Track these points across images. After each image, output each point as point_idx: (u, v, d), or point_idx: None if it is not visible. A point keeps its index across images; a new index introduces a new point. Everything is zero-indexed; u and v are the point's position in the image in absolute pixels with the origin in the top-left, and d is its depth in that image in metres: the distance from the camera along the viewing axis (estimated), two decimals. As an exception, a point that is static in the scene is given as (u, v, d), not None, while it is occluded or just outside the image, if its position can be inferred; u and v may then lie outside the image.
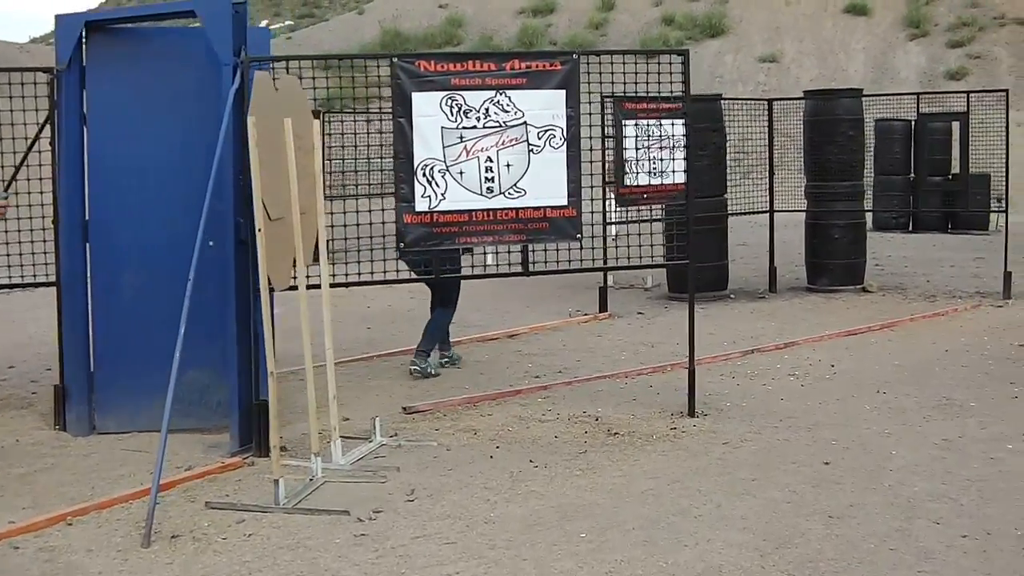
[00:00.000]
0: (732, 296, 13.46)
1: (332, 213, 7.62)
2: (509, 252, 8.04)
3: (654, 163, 12.64)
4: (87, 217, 7.56)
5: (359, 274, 7.59)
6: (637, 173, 12.29)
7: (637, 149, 12.28)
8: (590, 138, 9.36)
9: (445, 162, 7.18)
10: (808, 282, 13.83)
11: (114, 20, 7.81)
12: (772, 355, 9.91)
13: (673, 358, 9.70)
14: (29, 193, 8.11)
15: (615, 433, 7.27)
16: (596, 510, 5.79)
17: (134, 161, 7.44)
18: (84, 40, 7.50)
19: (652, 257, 8.55)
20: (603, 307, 12.52)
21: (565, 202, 7.37)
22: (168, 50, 7.61)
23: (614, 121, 12.20)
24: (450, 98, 7.16)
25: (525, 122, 7.27)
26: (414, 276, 8.59)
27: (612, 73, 8.28)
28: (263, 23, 53.84)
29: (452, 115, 7.18)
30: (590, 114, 8.83)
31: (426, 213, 7.21)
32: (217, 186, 6.58)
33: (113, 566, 5.21)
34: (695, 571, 4.94)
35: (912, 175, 18.95)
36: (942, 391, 8.31)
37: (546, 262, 7.80)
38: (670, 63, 8.05)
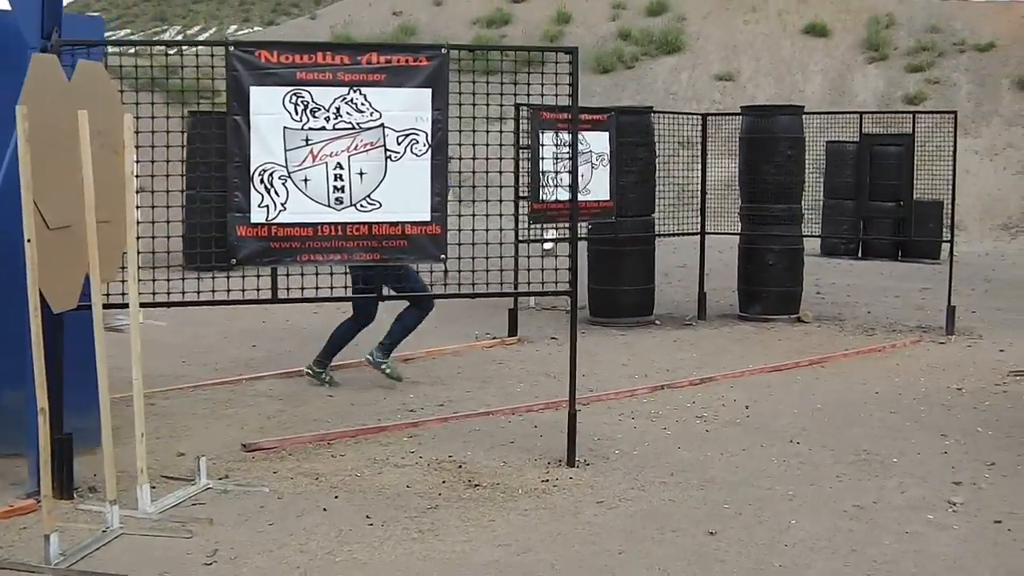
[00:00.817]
0: (657, 322, 12.50)
1: (169, 222, 6.64)
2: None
3: (580, 179, 11.70)
4: None
5: (227, 290, 6.58)
6: (556, 188, 11.40)
7: (556, 161, 11.41)
8: (500, 146, 8.39)
9: (287, 167, 6.18)
10: (740, 310, 12.89)
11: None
12: (684, 392, 8.95)
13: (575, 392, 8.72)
14: None
15: (476, 485, 6.27)
16: (420, 589, 4.80)
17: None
18: None
19: (543, 283, 7.49)
20: (512, 330, 11.53)
21: (428, 217, 6.38)
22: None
23: (530, 132, 11.28)
24: (295, 94, 6.17)
25: (383, 124, 6.28)
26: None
27: (501, 72, 7.26)
28: (231, 28, 52.80)
29: (296, 114, 6.18)
30: (500, 119, 7.78)
31: (263, 225, 6.20)
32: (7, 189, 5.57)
33: None
34: None
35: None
36: (864, 442, 7.36)
37: (446, 284, 6.81)
38: (568, 63, 6.96)
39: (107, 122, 5.60)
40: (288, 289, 6.56)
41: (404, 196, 6.31)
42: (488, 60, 6.73)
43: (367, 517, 5.71)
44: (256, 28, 52.55)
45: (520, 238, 11.27)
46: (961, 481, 6.48)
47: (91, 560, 5.12)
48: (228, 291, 6.52)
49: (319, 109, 6.18)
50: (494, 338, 11.42)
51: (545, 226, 11.70)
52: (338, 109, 6.20)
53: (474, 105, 6.75)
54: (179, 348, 10.52)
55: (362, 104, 6.22)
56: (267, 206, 6.17)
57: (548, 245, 16.68)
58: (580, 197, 11.67)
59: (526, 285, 7.63)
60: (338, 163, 6.22)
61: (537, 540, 5.39)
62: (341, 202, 6.24)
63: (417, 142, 6.30)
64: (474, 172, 7.27)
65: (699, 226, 12.93)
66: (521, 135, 11.27)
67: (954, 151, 12.32)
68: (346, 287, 6.78)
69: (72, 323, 5.93)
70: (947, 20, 30.95)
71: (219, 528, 5.54)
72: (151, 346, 10.48)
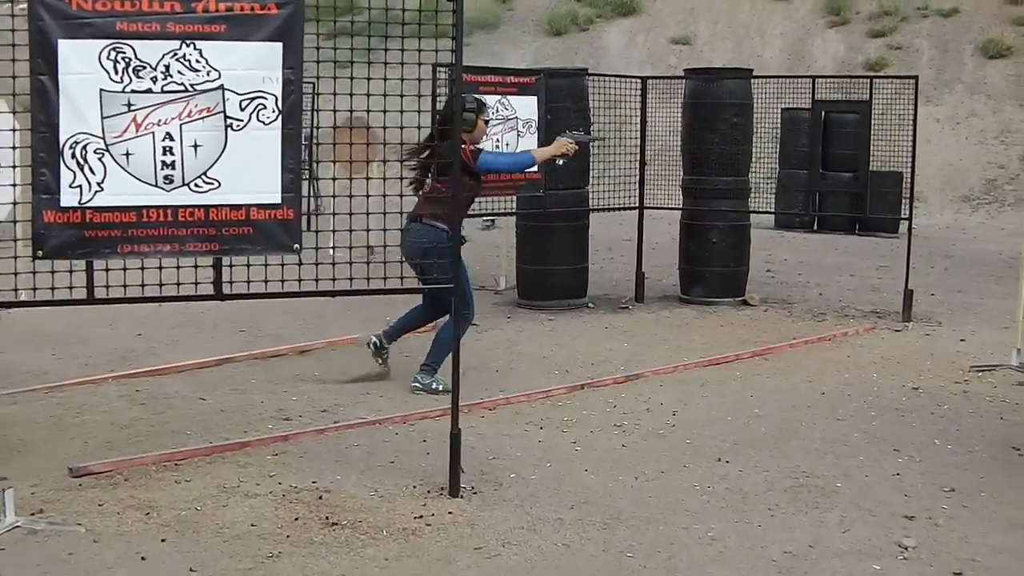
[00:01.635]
0: (591, 305, 11.47)
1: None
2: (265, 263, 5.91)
3: (498, 148, 10.64)
4: None
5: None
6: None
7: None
8: (418, 112, 7.25)
9: (104, 139, 5.06)
10: (681, 291, 11.87)
11: None
12: (606, 393, 7.92)
13: (483, 393, 7.70)
14: None
15: (334, 523, 5.20)
16: None
17: None
18: None
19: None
20: (429, 316, 10.44)
21: (278, 199, 5.28)
22: None
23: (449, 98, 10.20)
24: (114, 49, 5.04)
25: (222, 86, 5.16)
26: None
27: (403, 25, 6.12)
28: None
29: (116, 73, 5.05)
30: (419, 80, 6.60)
31: (75, 209, 5.08)
32: None
33: None
34: None
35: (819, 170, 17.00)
36: (804, 460, 6.35)
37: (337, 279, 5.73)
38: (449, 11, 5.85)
39: None
40: (108, 287, 5.43)
41: (248, 173, 5.21)
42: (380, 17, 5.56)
43: (191, 571, 4.66)
44: None
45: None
46: (915, 515, 5.48)
47: None
48: (35, 289, 5.40)
49: (144, 67, 5.06)
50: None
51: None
52: (167, 67, 5.08)
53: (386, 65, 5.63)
54: (54, 337, 9.40)
55: (197, 61, 5.11)
56: (80, 186, 5.05)
57: (487, 221, 15.69)
58: (508, 168, 10.65)
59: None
60: (167, 133, 5.11)
61: (390, 605, 4.36)
62: (171, 181, 5.14)
63: (265, 107, 5.19)
64: (384, 144, 6.18)
65: (637, 200, 11.84)
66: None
67: (914, 119, 11.30)
68: (196, 283, 5.64)
69: None
70: (910, -17, 29.97)
71: (5, 586, 4.49)
72: (25, 335, 9.41)
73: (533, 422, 7.12)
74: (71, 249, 5.13)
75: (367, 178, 6.82)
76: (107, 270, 5.31)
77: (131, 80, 5.06)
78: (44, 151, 5.02)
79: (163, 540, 4.99)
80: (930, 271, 14.34)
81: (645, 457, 6.35)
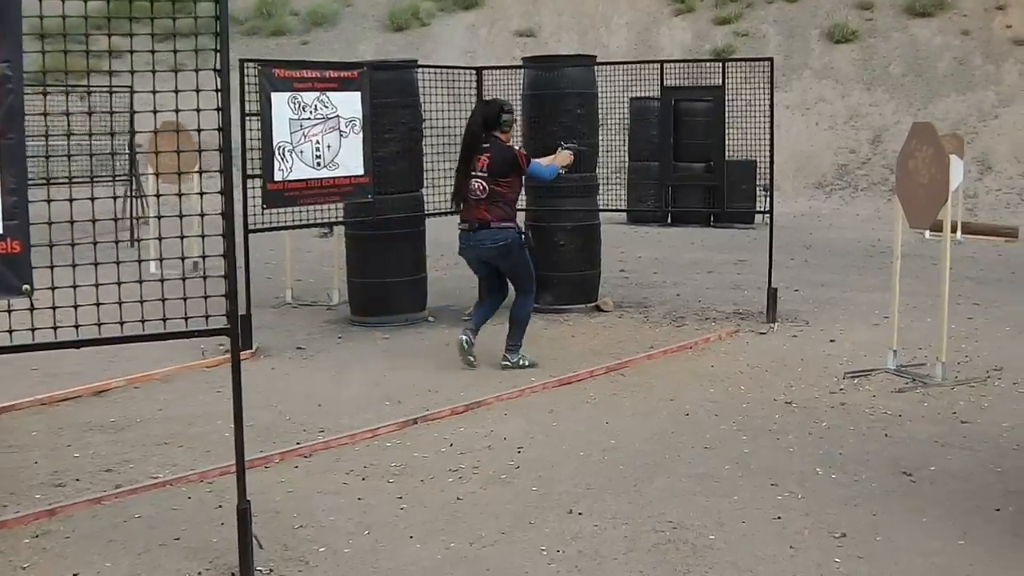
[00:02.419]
0: (431, 319, 10.43)
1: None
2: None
3: (319, 150, 9.55)
4: None
5: None
6: (291, 164, 9.29)
7: (293, 132, 9.31)
8: (218, 111, 6.06)
9: None
10: (530, 300, 10.90)
11: None
12: (442, 427, 6.89)
13: (301, 435, 6.62)
14: None
15: (83, 640, 4.08)
16: None
17: None
18: None
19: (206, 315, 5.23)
20: (246, 340, 9.23)
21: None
22: None
23: (260, 94, 9.12)
24: None
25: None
26: None
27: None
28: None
29: None
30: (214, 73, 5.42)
31: None
32: None
33: None
34: None
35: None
36: (670, 506, 5.40)
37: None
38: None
39: None
40: None
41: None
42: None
43: None
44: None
45: (252, 226, 9.15)
46: None
47: None
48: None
49: None
50: (227, 351, 9.14)
51: (285, 210, 9.54)
52: None
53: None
54: None
55: None
56: None
57: (324, 230, 14.52)
58: (328, 172, 9.56)
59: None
60: None
61: None
62: None
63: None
64: (179, 151, 5.03)
65: (477, 202, 10.81)
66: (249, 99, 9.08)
67: (771, 103, 10.49)
68: None
69: None
70: (753, -31, 29.61)
71: None
72: None
73: (355, 471, 6.04)
74: None
75: (184, 193, 5.66)
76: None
77: None
78: None
79: None
80: (791, 263, 13.65)
81: (484, 513, 5.33)
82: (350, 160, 9.60)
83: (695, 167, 16.03)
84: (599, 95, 10.93)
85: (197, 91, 4.55)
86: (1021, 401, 7.32)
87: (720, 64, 11.17)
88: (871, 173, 21.82)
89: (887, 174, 20.96)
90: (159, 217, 4.87)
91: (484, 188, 8.13)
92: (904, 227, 8.17)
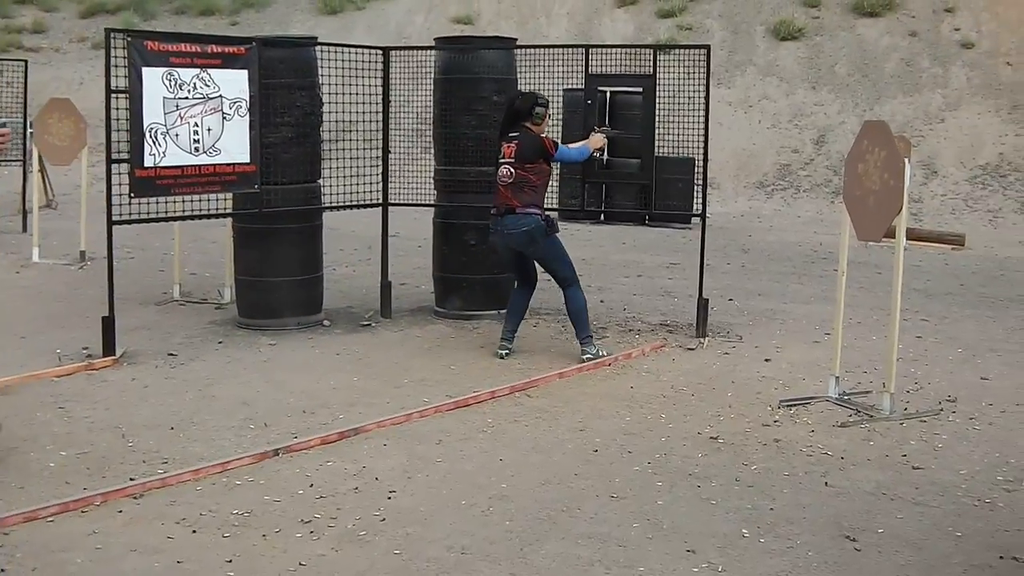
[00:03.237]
0: (327, 323, 9.36)
1: None
2: None
3: (198, 134, 8.46)
4: None
5: None
6: (164, 148, 8.24)
7: (168, 113, 8.24)
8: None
9: None
10: (436, 304, 9.88)
11: None
12: (306, 461, 5.83)
13: (138, 468, 5.55)
14: None
15: None
16: None
17: None
18: None
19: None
20: (109, 347, 8.11)
21: None
22: None
23: (129, 69, 8.04)
24: None
25: None
26: None
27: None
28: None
29: None
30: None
31: None
32: None
33: None
34: None
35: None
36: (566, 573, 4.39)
37: None
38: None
39: None
40: None
41: None
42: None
43: None
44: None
45: (117, 216, 8.07)
46: None
47: None
48: None
49: None
50: (88, 357, 8.03)
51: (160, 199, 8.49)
52: None
53: None
54: None
55: None
56: None
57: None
58: (208, 159, 8.46)
59: None
60: None
61: None
62: None
63: None
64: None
65: (380, 195, 9.73)
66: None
67: (707, 95, 9.53)
68: None
69: None
70: (699, -39, 28.72)
71: None
72: None
73: (189, 519, 4.98)
74: None
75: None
76: None
77: None
78: None
79: None
80: (727, 268, 12.73)
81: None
82: (234, 146, 8.52)
83: (632, 163, 15.01)
84: (535, 86, 9.84)
85: None
86: (978, 441, 6.38)
87: (652, 52, 10.12)
88: (814, 174, 20.95)
89: (831, 175, 20.13)
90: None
91: (511, 173, 8.10)
92: (851, 235, 7.21)
